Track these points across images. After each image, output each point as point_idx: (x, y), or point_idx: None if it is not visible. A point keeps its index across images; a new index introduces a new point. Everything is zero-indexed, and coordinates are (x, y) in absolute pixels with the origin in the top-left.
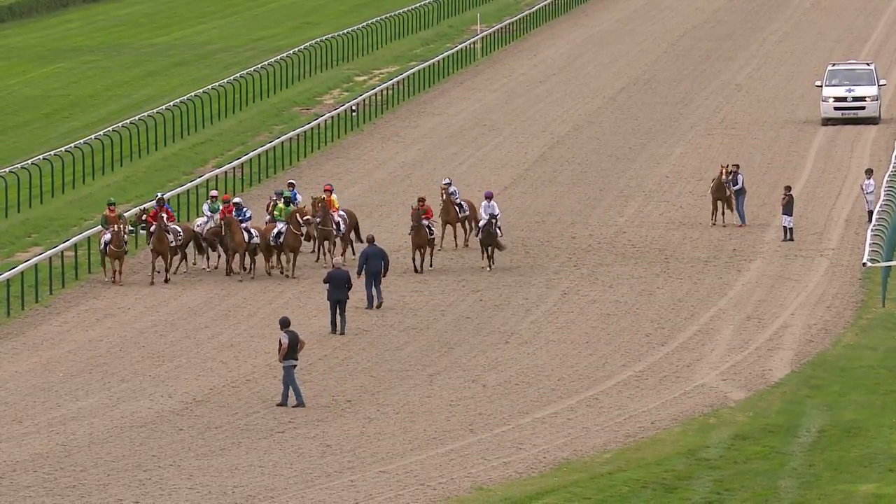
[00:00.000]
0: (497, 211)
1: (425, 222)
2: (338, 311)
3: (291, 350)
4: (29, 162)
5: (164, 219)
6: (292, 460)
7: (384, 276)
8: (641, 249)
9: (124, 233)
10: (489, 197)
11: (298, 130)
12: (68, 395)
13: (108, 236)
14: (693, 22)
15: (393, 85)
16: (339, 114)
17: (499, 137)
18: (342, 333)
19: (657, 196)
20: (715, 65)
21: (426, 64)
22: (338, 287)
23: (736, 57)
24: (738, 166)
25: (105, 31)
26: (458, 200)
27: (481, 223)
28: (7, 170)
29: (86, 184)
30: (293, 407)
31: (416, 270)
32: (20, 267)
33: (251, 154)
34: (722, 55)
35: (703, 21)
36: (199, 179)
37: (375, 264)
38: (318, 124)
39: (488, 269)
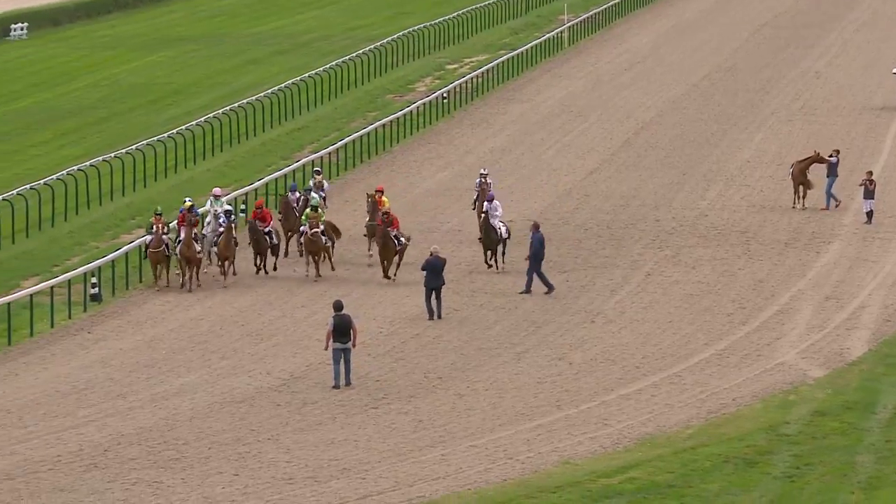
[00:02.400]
0: (500, 212)
1: (393, 233)
2: (433, 296)
3: (339, 333)
4: (133, 147)
5: (166, 225)
6: (385, 435)
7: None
8: (723, 232)
9: (163, 232)
10: (490, 199)
11: (391, 117)
12: (171, 371)
13: (148, 238)
14: (774, 11)
15: (483, 73)
16: (430, 101)
17: (585, 123)
18: (439, 318)
19: (738, 180)
20: (795, 53)
21: (515, 52)
22: (434, 274)
23: (815, 45)
24: (837, 151)
25: (207, 21)
26: (490, 194)
27: (481, 225)
28: (112, 155)
29: (187, 168)
30: (332, 387)
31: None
32: (124, 248)
33: (346, 139)
34: (802, 43)
35: (784, 10)
36: (295, 164)
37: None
38: (411, 111)
39: (497, 270)
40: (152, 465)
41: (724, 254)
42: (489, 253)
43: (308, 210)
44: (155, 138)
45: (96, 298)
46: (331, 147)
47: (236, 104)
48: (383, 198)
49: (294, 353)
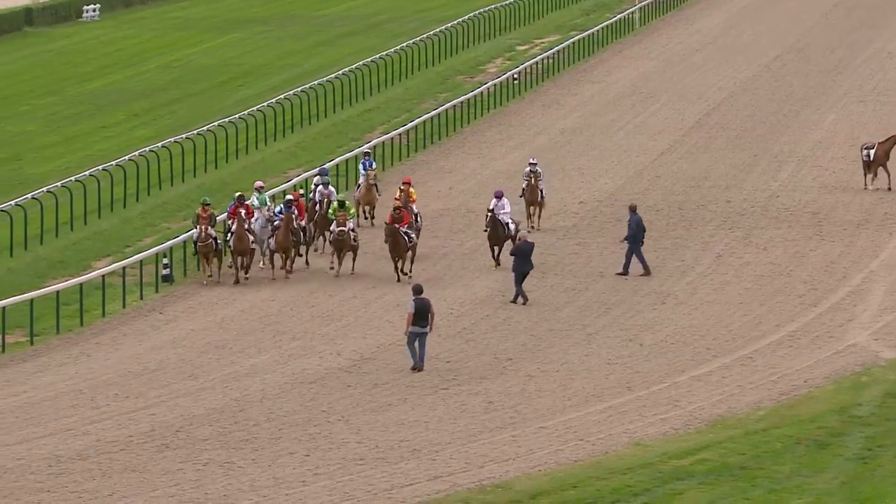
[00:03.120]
0: (508, 209)
1: (403, 229)
2: (522, 282)
3: (419, 317)
4: (204, 128)
5: (243, 215)
6: (456, 416)
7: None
8: (795, 213)
9: (209, 230)
10: (499, 196)
11: (462, 98)
12: (242, 352)
13: (195, 233)
14: None
15: (554, 54)
16: (501, 82)
17: (656, 104)
18: (525, 303)
19: (810, 161)
20: (867, 34)
21: (586, 33)
22: (524, 259)
23: (888, 26)
24: None
25: (277, 3)
26: (541, 185)
27: (488, 222)
28: (184, 136)
29: (258, 150)
30: (411, 369)
31: (398, 279)
32: (197, 230)
33: (416, 121)
34: (874, 24)
35: None
36: (366, 146)
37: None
38: (482, 92)
39: (496, 266)
40: (223, 445)
41: (795, 235)
42: (496, 249)
43: (334, 204)
44: (226, 119)
45: (168, 279)
46: (401, 128)
47: (307, 85)
48: (411, 189)
49: (364, 334)
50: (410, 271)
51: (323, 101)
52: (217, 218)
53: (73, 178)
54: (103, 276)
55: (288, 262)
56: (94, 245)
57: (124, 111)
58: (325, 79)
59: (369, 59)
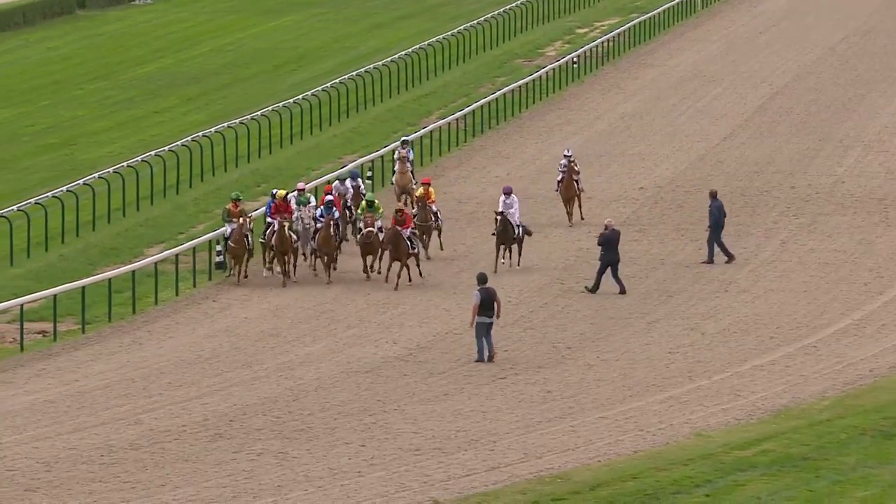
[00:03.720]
0: (517, 207)
1: (405, 233)
2: (610, 271)
3: (484, 308)
4: (258, 113)
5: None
6: (514, 405)
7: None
8: (860, 199)
9: (248, 229)
10: (508, 192)
11: (520, 82)
12: (296, 340)
13: (228, 230)
14: None
15: (614, 37)
16: (560, 65)
17: (718, 88)
18: (623, 292)
19: (876, 146)
20: None
21: (647, 16)
22: (612, 248)
23: None
24: None
25: None
26: (578, 177)
27: (498, 223)
28: (237, 121)
29: (313, 135)
30: (475, 361)
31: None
32: (250, 216)
33: (474, 105)
34: None
35: None
36: (423, 130)
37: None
38: (540, 76)
39: (514, 264)
40: (277, 435)
41: (861, 221)
42: (502, 248)
43: (363, 204)
44: (280, 104)
45: (221, 266)
46: (458, 113)
47: (362, 69)
48: (430, 189)
49: (420, 322)
50: (410, 280)
51: (378, 86)
52: (249, 214)
53: (125, 164)
54: (156, 263)
55: (328, 267)
56: (146, 232)
57: (177, 96)
58: (380, 62)
59: (426, 43)
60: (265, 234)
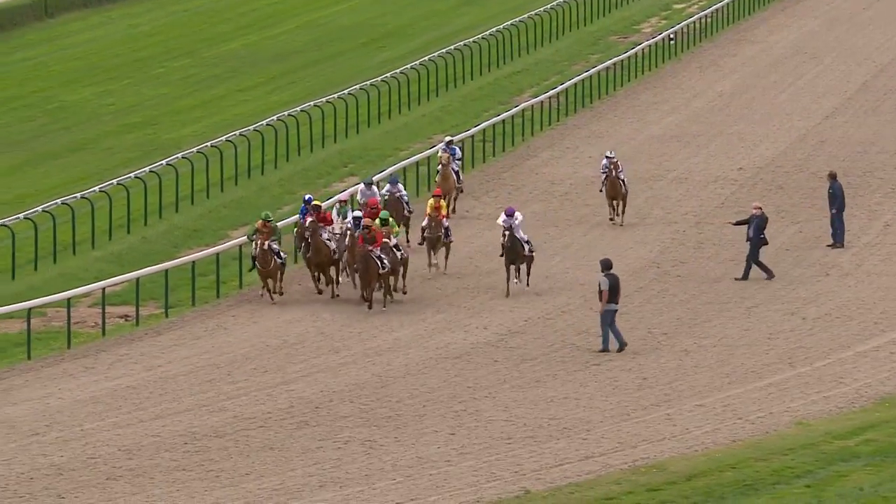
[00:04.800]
0: (519, 221)
1: (375, 252)
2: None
3: (612, 294)
4: (345, 92)
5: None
6: (608, 393)
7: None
8: None
9: (270, 246)
10: (510, 213)
11: (615, 59)
12: (384, 325)
13: (257, 250)
14: None
15: (712, 13)
16: (656, 42)
17: (820, 66)
18: (769, 277)
19: None
20: None
21: None
22: (758, 230)
23: None
24: None
25: None
26: (622, 176)
27: (503, 239)
28: (323, 100)
29: (401, 114)
30: (616, 351)
31: (364, 299)
32: (336, 197)
33: (567, 83)
34: None
35: None
36: (514, 109)
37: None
38: (636, 53)
39: (524, 284)
40: (365, 423)
41: None
42: (512, 268)
43: (377, 221)
44: (367, 82)
45: (306, 250)
46: (551, 91)
47: (452, 46)
48: (442, 202)
49: (512, 307)
50: (384, 305)
51: (469, 63)
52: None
53: (209, 144)
54: (240, 246)
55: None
56: (230, 213)
57: (262, 74)
58: (471, 39)
59: (518, 19)
60: (302, 247)
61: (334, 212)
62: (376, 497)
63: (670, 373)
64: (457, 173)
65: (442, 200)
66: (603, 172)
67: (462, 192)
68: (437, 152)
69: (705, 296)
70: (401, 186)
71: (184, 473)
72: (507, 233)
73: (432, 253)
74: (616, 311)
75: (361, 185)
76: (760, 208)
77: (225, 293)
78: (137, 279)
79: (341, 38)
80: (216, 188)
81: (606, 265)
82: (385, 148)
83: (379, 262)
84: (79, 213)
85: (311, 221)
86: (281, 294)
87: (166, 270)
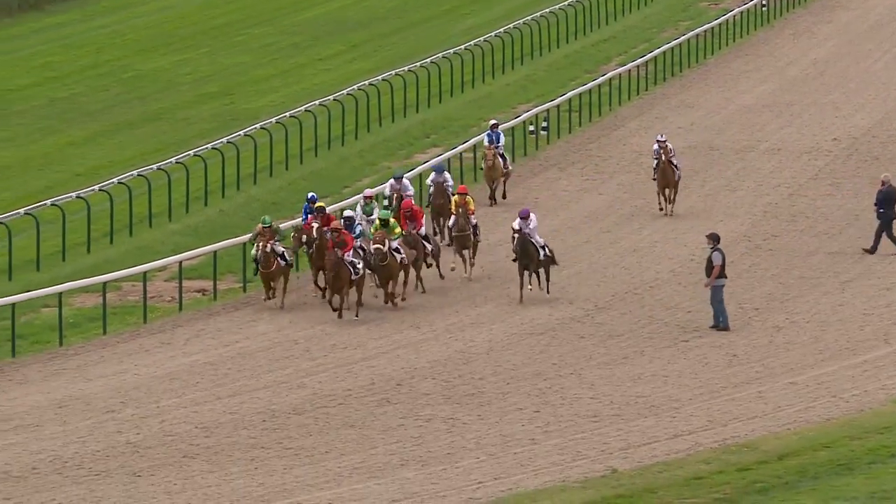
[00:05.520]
0: (533, 225)
1: (347, 257)
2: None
3: (724, 268)
4: (427, 60)
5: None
6: (697, 370)
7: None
8: None
9: (273, 248)
10: (525, 216)
11: (706, 26)
12: (467, 300)
13: (259, 253)
14: None
15: None
16: (748, 9)
17: None
18: (871, 251)
19: None
20: None
21: None
22: (889, 206)
23: None
24: None
25: None
26: (675, 160)
27: (515, 244)
28: (405, 68)
29: (485, 83)
30: (720, 330)
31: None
32: (418, 168)
33: (656, 51)
34: None
35: None
36: (601, 78)
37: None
38: (727, 20)
39: (544, 292)
40: (447, 400)
41: None
42: (526, 274)
43: (376, 223)
44: (451, 50)
45: (385, 224)
46: (639, 59)
47: (538, 13)
48: (468, 198)
49: (599, 282)
50: (357, 315)
51: (555, 31)
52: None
53: (288, 114)
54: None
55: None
56: (309, 185)
57: (342, 42)
58: (557, 6)
59: None
60: (306, 246)
61: (358, 208)
62: (459, 476)
63: (761, 349)
64: (503, 157)
65: (469, 196)
66: (655, 158)
67: (509, 177)
68: (483, 140)
69: (798, 270)
70: (447, 175)
71: (262, 451)
72: (515, 236)
73: (462, 253)
74: (724, 285)
75: (391, 180)
76: (886, 182)
77: (304, 267)
78: (215, 252)
79: (425, 5)
80: (295, 160)
81: (716, 239)
82: (469, 118)
83: (351, 269)
84: (155, 185)
85: (318, 228)
86: (282, 306)
87: (244, 244)
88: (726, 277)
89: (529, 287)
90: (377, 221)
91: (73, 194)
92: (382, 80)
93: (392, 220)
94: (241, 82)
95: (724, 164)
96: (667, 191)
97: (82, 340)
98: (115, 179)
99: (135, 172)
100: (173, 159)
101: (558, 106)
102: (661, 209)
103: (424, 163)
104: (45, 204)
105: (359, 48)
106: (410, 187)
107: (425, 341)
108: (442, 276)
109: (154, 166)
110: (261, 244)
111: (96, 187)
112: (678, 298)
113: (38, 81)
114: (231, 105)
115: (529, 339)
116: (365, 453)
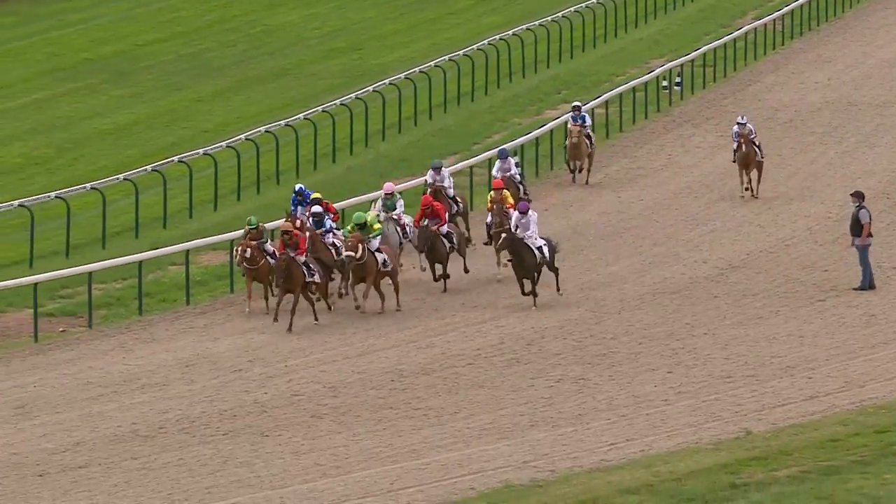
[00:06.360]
0: (535, 228)
1: (301, 258)
2: None
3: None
4: (559, 14)
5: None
6: (833, 330)
7: None
8: None
9: (262, 246)
10: (524, 211)
11: None
12: (599, 259)
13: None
14: None
15: None
16: None
17: None
18: None
19: None
20: None
21: None
22: None
23: None
24: None
25: None
26: (756, 140)
27: (502, 239)
28: (536, 23)
29: (618, 38)
30: (867, 290)
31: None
32: (549, 125)
33: (793, 5)
34: None
35: None
36: (737, 32)
37: None
38: None
39: (556, 291)
40: (578, 360)
41: None
42: (526, 282)
43: (351, 225)
44: (582, 5)
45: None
46: (775, 13)
47: None
48: (505, 193)
49: (733, 239)
50: (316, 318)
51: None
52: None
53: (416, 70)
54: (450, 174)
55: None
56: (438, 142)
57: None
58: None
59: None
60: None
61: (379, 203)
62: (590, 437)
63: None
64: (589, 137)
65: (506, 191)
66: (735, 140)
67: (592, 158)
68: (567, 123)
69: None
70: (512, 161)
71: (390, 412)
72: (503, 235)
73: (499, 254)
74: (870, 245)
75: (430, 170)
76: None
77: None
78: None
79: None
80: (424, 116)
81: (861, 196)
82: (601, 73)
83: (305, 270)
84: (283, 142)
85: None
86: (265, 297)
87: (371, 201)
88: (871, 236)
89: (527, 292)
90: (352, 224)
91: (200, 151)
92: (513, 34)
93: (369, 219)
94: (369, 37)
95: (863, 120)
96: (749, 172)
97: (209, 299)
98: (242, 136)
99: (262, 129)
100: (301, 115)
101: (692, 61)
102: (746, 189)
103: (556, 119)
104: (172, 161)
105: (489, 2)
106: (450, 179)
107: (556, 301)
108: (466, 270)
109: (282, 122)
110: (239, 248)
111: (223, 144)
112: (814, 257)
113: (166, 37)
114: (359, 60)
115: (662, 298)
116: (494, 414)
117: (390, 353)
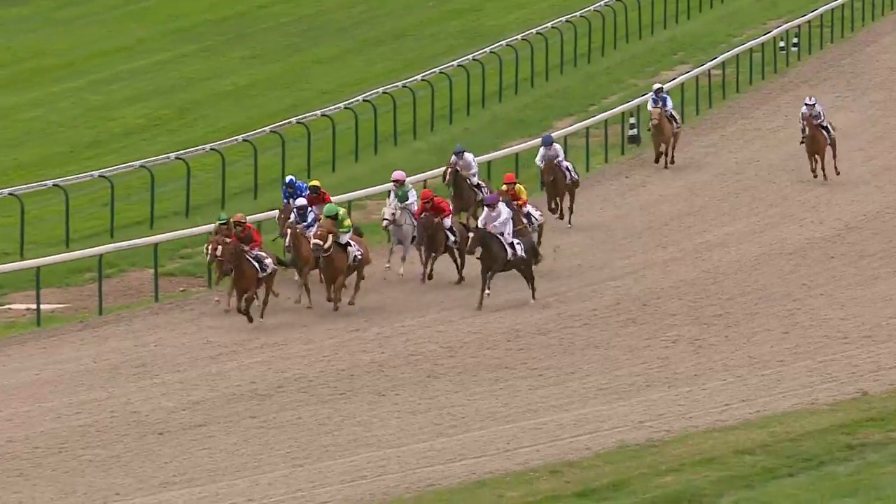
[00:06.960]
0: (502, 220)
1: (254, 253)
2: None
3: None
4: None
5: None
6: None
7: None
8: None
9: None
10: (492, 203)
11: None
12: (714, 220)
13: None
14: None
15: None
16: None
17: None
18: None
19: None
20: None
21: None
22: None
23: None
24: None
25: None
26: (824, 123)
27: (471, 243)
28: None
29: None
30: None
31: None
32: (667, 85)
33: None
34: None
35: None
36: (832, 4)
37: None
38: None
39: (531, 297)
40: (693, 321)
41: None
42: (489, 275)
43: (322, 215)
44: None
45: (634, 140)
46: None
47: None
48: (517, 187)
49: (850, 200)
50: (262, 315)
51: None
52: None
53: (533, 31)
54: (565, 136)
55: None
56: (555, 103)
57: None
58: None
59: None
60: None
61: (392, 195)
62: (706, 398)
63: None
64: (673, 118)
65: (519, 185)
66: (802, 122)
67: (678, 139)
68: (647, 105)
69: None
70: (557, 147)
71: (506, 371)
72: (470, 234)
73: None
74: None
75: (452, 155)
76: None
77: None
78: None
79: None
80: (541, 77)
81: None
82: (717, 34)
83: (258, 266)
84: (400, 103)
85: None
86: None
87: (488, 162)
88: None
89: (488, 292)
90: (323, 214)
91: (318, 112)
92: None
93: (341, 212)
94: None
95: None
96: (815, 156)
97: None
98: (360, 97)
99: (380, 90)
100: (419, 76)
101: (809, 22)
102: (814, 174)
103: (673, 79)
104: (291, 122)
105: None
106: (474, 164)
107: (672, 261)
108: (460, 271)
109: (399, 83)
110: (210, 246)
111: (342, 105)
112: None
113: None
114: (477, 22)
115: (778, 259)
116: (609, 374)
117: (507, 314)
